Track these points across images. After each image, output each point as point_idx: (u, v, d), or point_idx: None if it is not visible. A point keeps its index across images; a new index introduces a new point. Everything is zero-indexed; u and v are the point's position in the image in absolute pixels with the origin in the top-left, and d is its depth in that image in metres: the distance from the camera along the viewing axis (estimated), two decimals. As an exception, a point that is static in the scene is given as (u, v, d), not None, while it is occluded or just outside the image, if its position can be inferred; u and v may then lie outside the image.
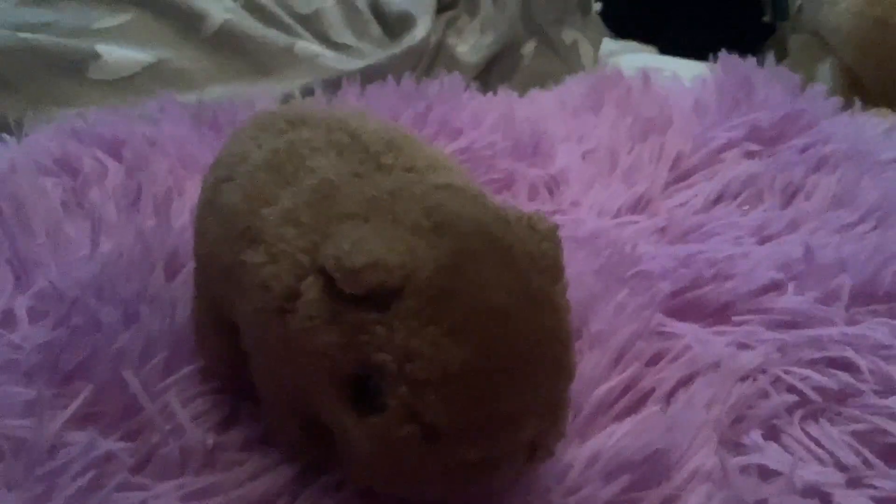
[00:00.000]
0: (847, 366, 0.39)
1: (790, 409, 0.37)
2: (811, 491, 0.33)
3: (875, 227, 0.48)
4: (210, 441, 0.35)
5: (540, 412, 0.29)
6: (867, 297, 0.42)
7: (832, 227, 0.48)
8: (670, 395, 0.38)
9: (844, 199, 0.50)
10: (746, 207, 0.50)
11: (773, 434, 0.36)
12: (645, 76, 0.63)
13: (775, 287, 0.43)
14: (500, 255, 0.28)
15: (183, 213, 0.47)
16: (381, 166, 0.32)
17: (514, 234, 0.29)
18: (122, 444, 0.35)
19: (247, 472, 0.34)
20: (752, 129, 0.56)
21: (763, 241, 0.47)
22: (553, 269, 0.30)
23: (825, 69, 0.74)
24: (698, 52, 0.82)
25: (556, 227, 0.30)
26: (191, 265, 0.41)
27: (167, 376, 0.37)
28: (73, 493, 0.32)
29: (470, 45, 0.76)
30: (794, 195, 0.52)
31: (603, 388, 0.37)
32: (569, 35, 0.82)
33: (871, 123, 0.58)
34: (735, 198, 0.51)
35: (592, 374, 0.38)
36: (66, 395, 0.36)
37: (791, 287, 0.43)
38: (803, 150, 0.55)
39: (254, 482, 0.33)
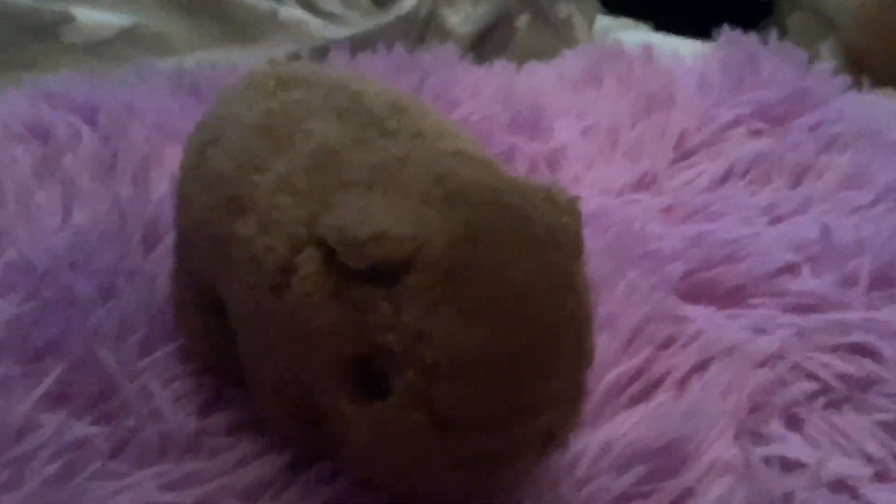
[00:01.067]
0: (869, 352, 0.37)
1: (811, 398, 0.35)
2: (838, 484, 0.32)
3: (892, 209, 0.46)
4: (192, 426, 0.33)
5: (558, 399, 0.27)
6: (887, 281, 0.41)
7: (845, 208, 0.46)
8: (684, 382, 0.36)
9: (856, 179, 0.49)
10: (754, 187, 0.49)
11: (794, 423, 0.35)
12: (647, 51, 0.60)
13: (790, 269, 0.41)
14: (518, 228, 0.26)
15: (162, 183, 0.44)
16: (385, 131, 0.30)
17: (532, 205, 0.27)
18: (96, 428, 0.32)
19: (233, 460, 0.32)
20: (759, 107, 0.54)
21: (774, 221, 0.46)
22: (574, 245, 0.27)
23: (826, 49, 0.72)
24: (693, 29, 0.80)
25: (576, 199, 0.28)
26: (170, 237, 0.39)
27: (145, 355, 0.35)
28: (44, 480, 0.30)
29: (462, 16, 0.74)
30: (803, 175, 0.50)
31: (613, 373, 0.35)
32: (563, 9, 0.80)
33: (881, 103, 0.56)
34: (742, 177, 0.50)
35: (602, 358, 0.35)
36: (36, 373, 0.33)
37: (807, 269, 0.41)
38: (812, 128, 0.53)
39: (240, 470, 0.31)
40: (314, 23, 0.68)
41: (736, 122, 0.54)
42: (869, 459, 0.33)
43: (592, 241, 0.41)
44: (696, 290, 0.40)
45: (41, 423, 0.32)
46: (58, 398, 0.33)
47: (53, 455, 0.31)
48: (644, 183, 0.50)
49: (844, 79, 0.57)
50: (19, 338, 0.35)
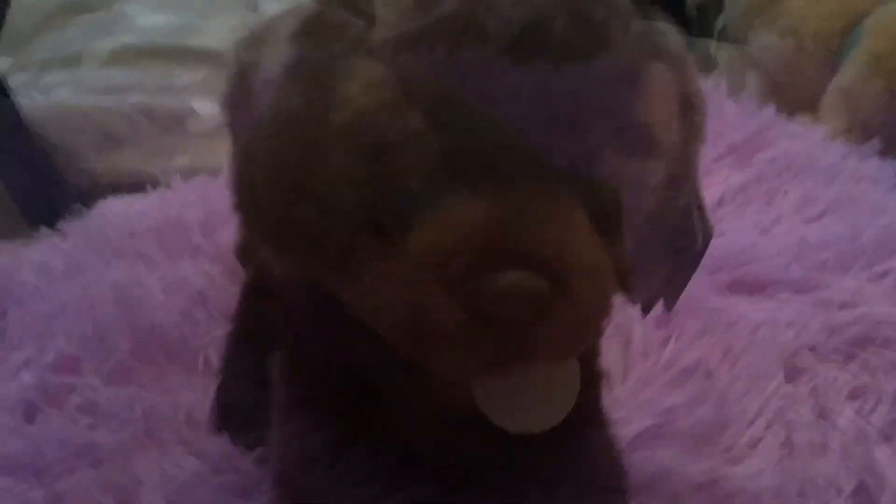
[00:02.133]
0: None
1: (839, 387, 0.35)
2: (863, 469, 0.31)
3: (837, 218, 0.49)
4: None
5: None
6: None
7: (806, 219, 0.50)
8: (717, 369, 0.36)
9: (808, 197, 0.52)
10: (741, 209, 0.51)
11: (822, 411, 0.34)
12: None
13: (821, 266, 0.42)
14: None
15: (219, 171, 0.44)
16: None
17: None
18: (162, 400, 0.32)
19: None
20: (730, 147, 0.57)
21: (762, 233, 0.48)
22: None
23: (752, 78, 0.81)
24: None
25: None
26: (230, 223, 0.38)
27: (208, 334, 0.34)
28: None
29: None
30: (773, 197, 0.53)
31: (649, 361, 0.35)
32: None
33: (809, 134, 0.61)
34: (731, 202, 0.52)
35: (640, 347, 0.35)
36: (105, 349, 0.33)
37: (838, 266, 0.42)
38: (770, 161, 0.56)
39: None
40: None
41: (715, 161, 0.57)
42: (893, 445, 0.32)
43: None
44: (730, 284, 0.42)
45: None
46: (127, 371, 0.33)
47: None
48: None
49: (787, 119, 0.61)
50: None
